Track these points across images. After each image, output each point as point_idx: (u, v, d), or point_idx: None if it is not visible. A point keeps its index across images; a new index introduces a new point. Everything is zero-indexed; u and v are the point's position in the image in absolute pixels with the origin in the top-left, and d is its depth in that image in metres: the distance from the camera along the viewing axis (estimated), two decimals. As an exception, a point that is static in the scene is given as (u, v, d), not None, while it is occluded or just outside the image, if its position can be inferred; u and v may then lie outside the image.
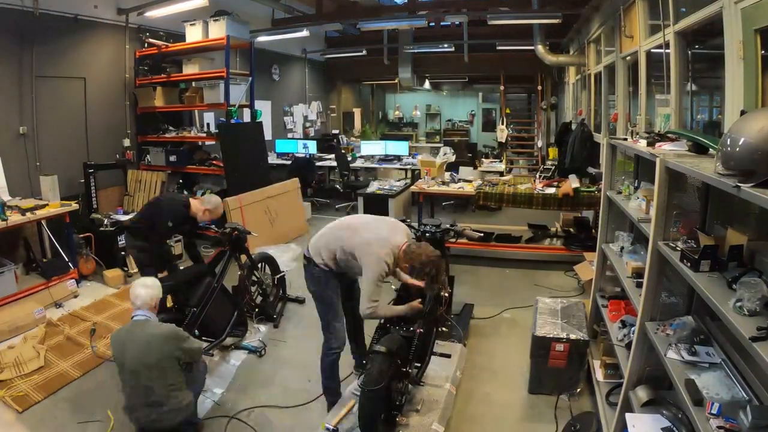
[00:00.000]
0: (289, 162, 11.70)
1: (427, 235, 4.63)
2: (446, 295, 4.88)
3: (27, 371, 4.68)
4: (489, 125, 20.19)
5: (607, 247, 4.47)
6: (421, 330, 3.81)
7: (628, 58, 7.11)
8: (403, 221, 5.07)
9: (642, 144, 3.78)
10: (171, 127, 9.19)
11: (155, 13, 8.46)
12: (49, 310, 5.95)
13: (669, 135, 3.71)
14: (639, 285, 3.38)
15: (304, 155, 11.90)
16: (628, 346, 3.46)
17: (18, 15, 6.85)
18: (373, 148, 12.29)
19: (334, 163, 11.70)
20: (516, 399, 4.37)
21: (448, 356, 4.45)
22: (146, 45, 8.83)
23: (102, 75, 8.38)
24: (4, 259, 6.19)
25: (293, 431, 4.06)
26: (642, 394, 3.12)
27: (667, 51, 5.10)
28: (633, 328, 3.42)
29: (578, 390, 4.29)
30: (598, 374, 4.08)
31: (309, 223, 9.67)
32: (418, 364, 3.96)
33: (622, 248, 4.19)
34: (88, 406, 4.24)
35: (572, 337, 4.20)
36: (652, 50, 5.94)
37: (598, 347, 4.34)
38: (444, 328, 4.62)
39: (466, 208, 10.92)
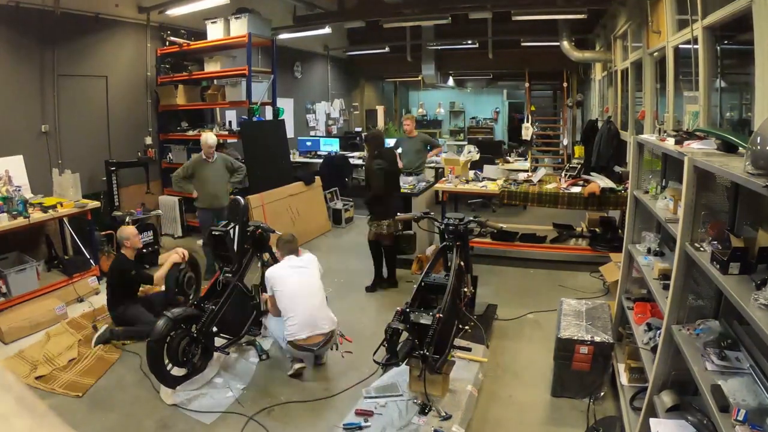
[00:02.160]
0: (312, 160, 11.81)
1: (451, 228, 4.60)
2: (469, 294, 4.84)
3: (63, 364, 4.76)
4: (514, 122, 20.06)
5: (634, 248, 4.38)
6: (441, 315, 3.77)
7: (656, 54, 6.99)
8: (426, 214, 5.08)
9: (670, 142, 3.68)
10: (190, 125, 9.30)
11: (176, 11, 8.53)
12: (70, 306, 6.03)
13: (697, 133, 3.61)
14: (666, 287, 3.29)
15: (337, 153, 11.90)
16: (654, 349, 3.38)
17: (39, 14, 6.96)
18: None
19: (359, 161, 11.74)
20: (538, 402, 4.31)
21: (469, 349, 4.43)
22: (168, 43, 8.92)
23: (123, 73, 8.48)
24: (26, 256, 6.30)
25: (315, 427, 4.04)
26: (667, 399, 3.03)
27: (695, 47, 4.99)
28: (659, 332, 3.33)
29: (602, 393, 4.22)
30: (623, 378, 4.00)
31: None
32: (437, 356, 3.93)
33: (649, 249, 4.10)
34: (116, 402, 4.32)
35: (597, 339, 4.12)
36: (680, 46, 5.83)
37: (623, 350, 4.24)
38: (467, 328, 4.58)
39: (490, 206, 10.83)
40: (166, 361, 4.30)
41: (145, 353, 4.30)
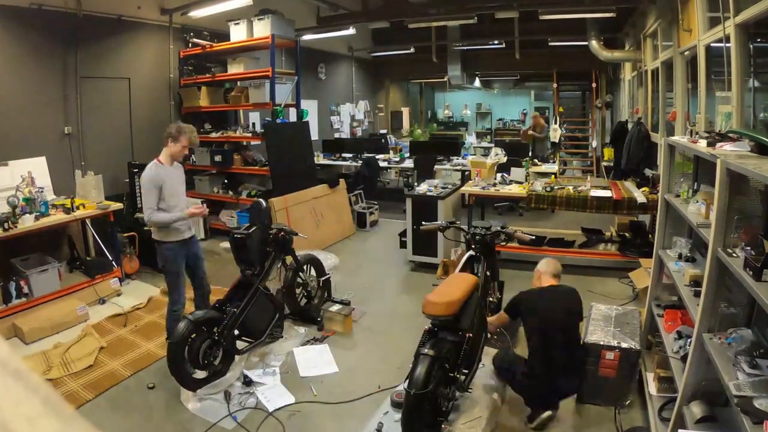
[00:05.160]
0: (334, 163, 11.87)
1: (477, 237, 4.53)
2: (495, 301, 4.76)
3: (76, 370, 4.75)
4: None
5: (664, 253, 4.27)
6: (471, 335, 3.71)
7: (687, 52, 6.83)
8: (452, 223, 4.99)
9: (702, 144, 3.61)
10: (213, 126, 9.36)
11: (199, 13, 8.57)
12: (92, 308, 6.08)
13: (730, 134, 3.53)
14: (697, 294, 3.21)
15: (373, 155, 11.94)
16: (684, 358, 3.28)
17: (62, 16, 7.05)
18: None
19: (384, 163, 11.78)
20: (564, 410, 4.19)
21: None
22: (190, 45, 9.00)
23: (146, 75, 8.56)
24: (49, 257, 6.37)
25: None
26: (696, 410, 2.96)
27: (727, 45, 4.86)
28: (689, 340, 3.25)
29: (628, 402, 4.11)
30: (652, 387, 3.90)
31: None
32: (466, 371, 3.86)
33: (680, 255, 3.99)
34: (136, 405, 4.31)
35: (624, 345, 4.02)
36: (711, 44, 5.68)
37: (653, 359, 4.14)
38: (493, 336, 4.51)
39: (517, 210, 10.71)
40: (187, 364, 4.29)
41: (166, 355, 4.29)
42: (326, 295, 6.17)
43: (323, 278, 6.11)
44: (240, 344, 4.83)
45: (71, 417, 0.49)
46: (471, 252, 4.54)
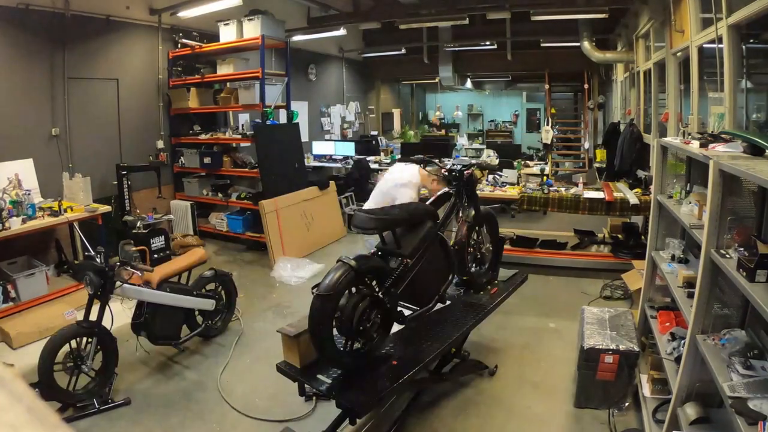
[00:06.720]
0: (325, 165, 11.93)
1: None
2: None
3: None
4: (533, 126, 19.89)
5: (657, 255, 4.27)
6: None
7: (679, 53, 6.83)
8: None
9: (694, 145, 3.61)
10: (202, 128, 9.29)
11: (188, 14, 8.48)
12: (80, 312, 5.97)
13: (723, 135, 3.53)
14: (690, 295, 3.21)
15: (364, 157, 11.86)
16: (678, 360, 3.30)
17: (49, 16, 6.95)
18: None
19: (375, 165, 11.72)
20: (558, 413, 4.19)
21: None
22: (179, 45, 8.92)
23: (135, 76, 8.45)
24: (36, 260, 6.31)
25: None
26: (691, 411, 2.96)
27: (720, 46, 4.86)
28: (683, 341, 3.25)
29: (626, 404, 4.10)
30: (645, 389, 3.90)
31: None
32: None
33: (673, 256, 3.99)
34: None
35: (622, 348, 4.01)
36: (704, 45, 5.68)
37: (646, 361, 4.13)
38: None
39: (509, 212, 10.67)
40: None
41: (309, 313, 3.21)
42: (497, 259, 5.03)
43: (498, 239, 5.00)
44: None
45: (56, 425, 0.47)
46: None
